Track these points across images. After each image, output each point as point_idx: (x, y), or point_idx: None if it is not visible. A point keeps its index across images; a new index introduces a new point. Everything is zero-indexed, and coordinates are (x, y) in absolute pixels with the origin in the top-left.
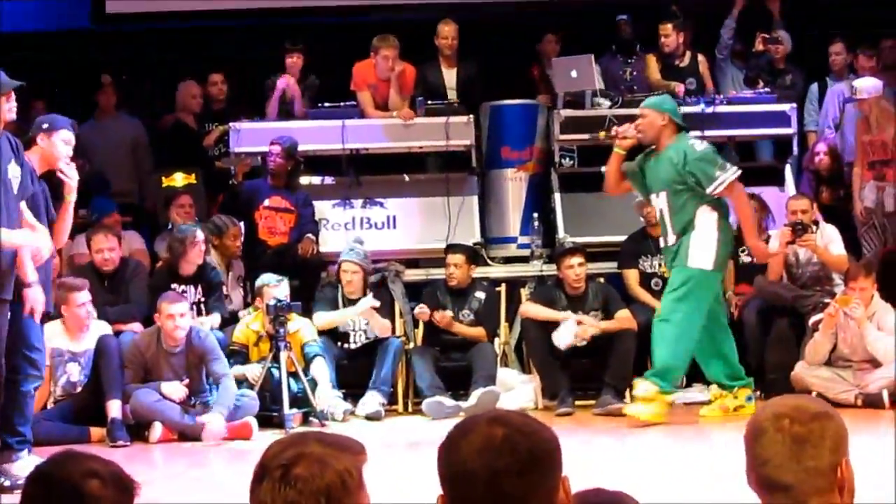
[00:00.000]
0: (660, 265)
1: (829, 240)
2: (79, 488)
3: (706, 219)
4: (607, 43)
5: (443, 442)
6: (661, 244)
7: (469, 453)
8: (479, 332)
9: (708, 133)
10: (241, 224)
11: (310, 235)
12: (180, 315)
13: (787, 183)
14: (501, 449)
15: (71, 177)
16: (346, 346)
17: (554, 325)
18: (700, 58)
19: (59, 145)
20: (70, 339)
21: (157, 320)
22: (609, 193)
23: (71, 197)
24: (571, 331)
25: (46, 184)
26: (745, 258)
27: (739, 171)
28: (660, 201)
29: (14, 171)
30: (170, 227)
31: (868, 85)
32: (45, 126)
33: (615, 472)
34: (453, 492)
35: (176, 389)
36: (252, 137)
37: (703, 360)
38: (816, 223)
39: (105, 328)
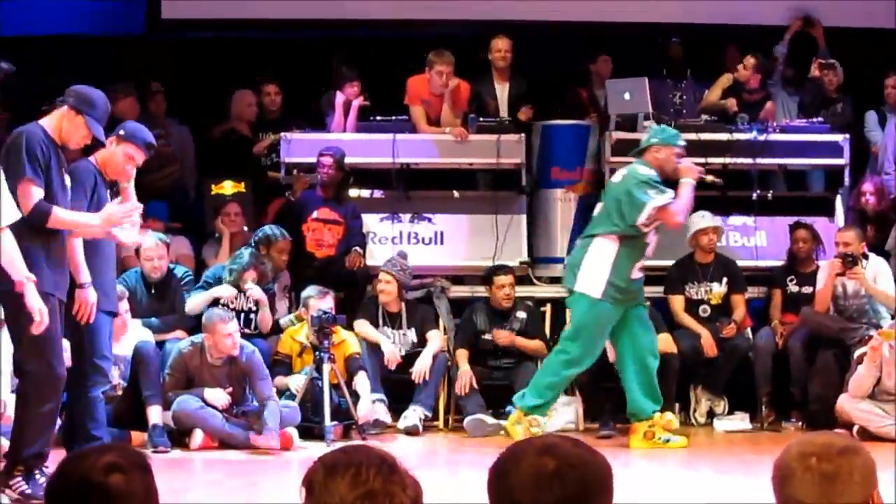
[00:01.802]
0: (706, 292)
1: (878, 273)
2: (103, 486)
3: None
4: (655, 66)
5: (493, 467)
6: None
7: (519, 483)
8: (538, 345)
9: (760, 161)
10: (290, 239)
11: (357, 248)
12: (233, 334)
13: (837, 214)
14: (552, 482)
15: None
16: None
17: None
18: (769, 104)
19: (120, 156)
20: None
21: (208, 340)
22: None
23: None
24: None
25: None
26: (792, 287)
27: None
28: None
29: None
30: (216, 235)
31: None
32: (121, 133)
33: (654, 496)
34: None
35: (219, 396)
36: (303, 148)
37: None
38: (866, 256)
39: (145, 334)
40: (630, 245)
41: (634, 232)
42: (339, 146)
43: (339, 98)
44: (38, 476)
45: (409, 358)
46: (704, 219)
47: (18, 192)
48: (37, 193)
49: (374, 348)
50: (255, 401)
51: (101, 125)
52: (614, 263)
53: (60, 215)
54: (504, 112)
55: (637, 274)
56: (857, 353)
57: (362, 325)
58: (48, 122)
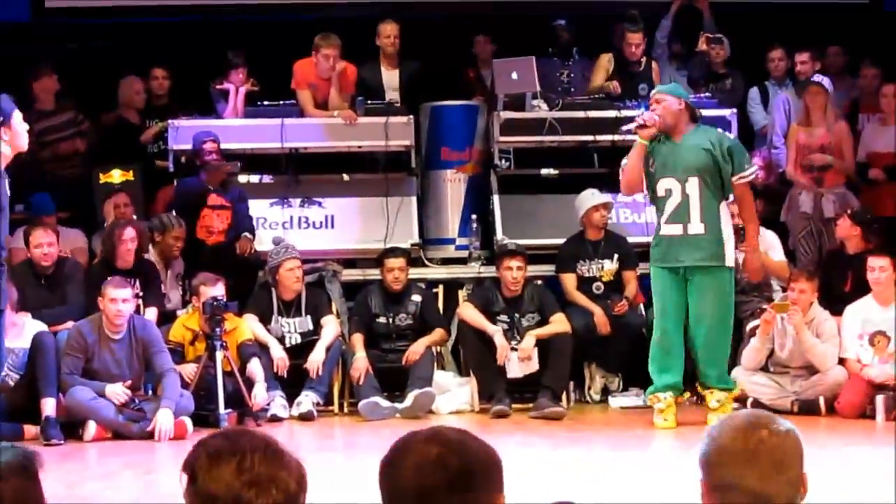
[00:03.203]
0: (598, 269)
1: (769, 245)
2: None
3: (726, 215)
4: (541, 46)
5: (383, 459)
6: (678, 231)
7: (405, 470)
8: (439, 335)
9: None
10: (184, 227)
11: (247, 234)
12: (123, 300)
13: None
14: (435, 467)
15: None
16: (280, 345)
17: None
18: (654, 65)
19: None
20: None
21: (101, 304)
22: (628, 192)
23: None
24: (516, 361)
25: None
26: None
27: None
28: (684, 187)
29: None
30: (104, 224)
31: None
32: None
33: (551, 476)
34: None
35: (118, 393)
36: (191, 135)
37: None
38: None
39: (40, 326)
40: None
41: None
42: (215, 131)
43: (231, 86)
44: None
45: (305, 346)
46: (595, 196)
47: None
48: None
49: (264, 346)
50: (153, 377)
51: None
52: None
53: None
54: (393, 97)
55: None
56: (749, 326)
57: (252, 322)
58: None
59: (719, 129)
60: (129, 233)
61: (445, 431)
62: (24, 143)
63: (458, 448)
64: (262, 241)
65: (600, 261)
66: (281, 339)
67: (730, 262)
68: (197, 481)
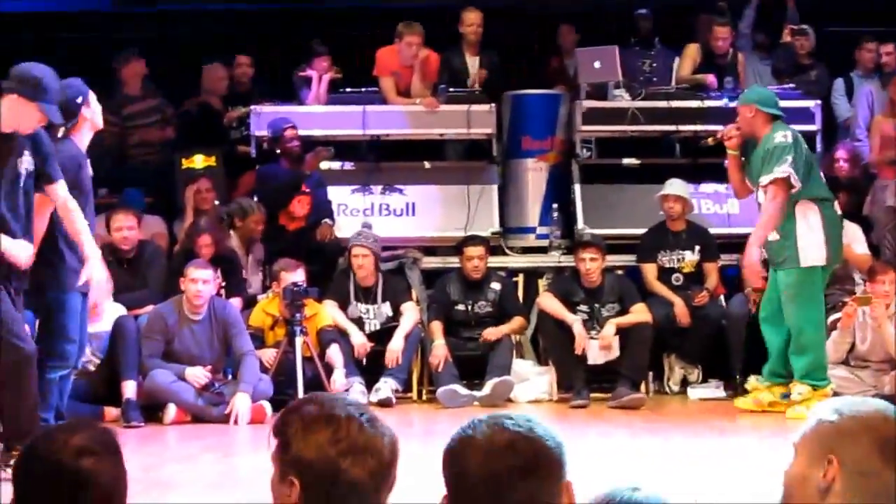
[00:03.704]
0: (679, 260)
1: (853, 238)
2: (74, 469)
3: (807, 214)
4: (624, 35)
5: (448, 444)
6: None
7: (472, 456)
8: (519, 323)
9: None
10: (264, 212)
11: (327, 220)
12: (203, 281)
13: None
14: (504, 452)
15: None
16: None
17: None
18: (739, 56)
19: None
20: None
21: (182, 285)
22: (738, 198)
23: None
24: (596, 348)
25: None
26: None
27: (787, 174)
28: (760, 195)
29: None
30: (184, 209)
31: None
32: (79, 99)
33: (629, 465)
34: (457, 494)
35: (199, 376)
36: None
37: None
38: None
39: (121, 310)
40: None
41: None
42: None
43: (314, 73)
44: None
45: (384, 333)
46: (671, 186)
47: None
48: None
49: (343, 332)
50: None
51: (54, 104)
52: None
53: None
54: (475, 84)
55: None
56: (830, 319)
57: (332, 308)
58: None
59: (776, 133)
60: (206, 239)
61: (514, 418)
62: (101, 121)
63: (530, 434)
64: (344, 228)
65: (682, 252)
66: (359, 325)
67: (804, 262)
68: (290, 447)
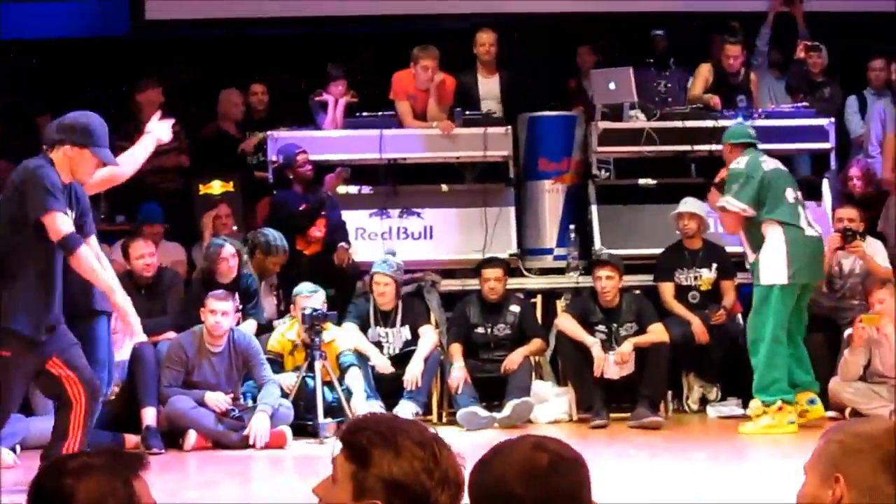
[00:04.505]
0: (696, 278)
1: (875, 252)
2: (53, 486)
3: (770, 234)
4: (640, 56)
5: (477, 463)
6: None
7: (513, 477)
8: (538, 345)
9: None
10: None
11: (343, 244)
12: (222, 313)
13: (824, 197)
14: (548, 476)
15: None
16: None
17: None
18: (752, 76)
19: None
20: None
21: (203, 315)
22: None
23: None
24: (612, 363)
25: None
26: None
27: (738, 209)
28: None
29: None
30: (202, 236)
31: None
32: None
33: (648, 485)
34: None
35: (220, 400)
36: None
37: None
38: (863, 235)
39: (140, 337)
40: None
41: None
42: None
43: (331, 97)
44: None
45: (403, 357)
46: (686, 204)
47: (48, 223)
48: (67, 221)
49: (363, 356)
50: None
51: (105, 146)
52: None
53: (85, 260)
54: (490, 106)
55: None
56: (846, 334)
57: (351, 332)
58: (54, 161)
59: (740, 158)
60: (229, 249)
61: (547, 440)
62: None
63: (568, 456)
64: (362, 252)
65: (698, 269)
66: (379, 347)
67: (763, 280)
68: (373, 467)
